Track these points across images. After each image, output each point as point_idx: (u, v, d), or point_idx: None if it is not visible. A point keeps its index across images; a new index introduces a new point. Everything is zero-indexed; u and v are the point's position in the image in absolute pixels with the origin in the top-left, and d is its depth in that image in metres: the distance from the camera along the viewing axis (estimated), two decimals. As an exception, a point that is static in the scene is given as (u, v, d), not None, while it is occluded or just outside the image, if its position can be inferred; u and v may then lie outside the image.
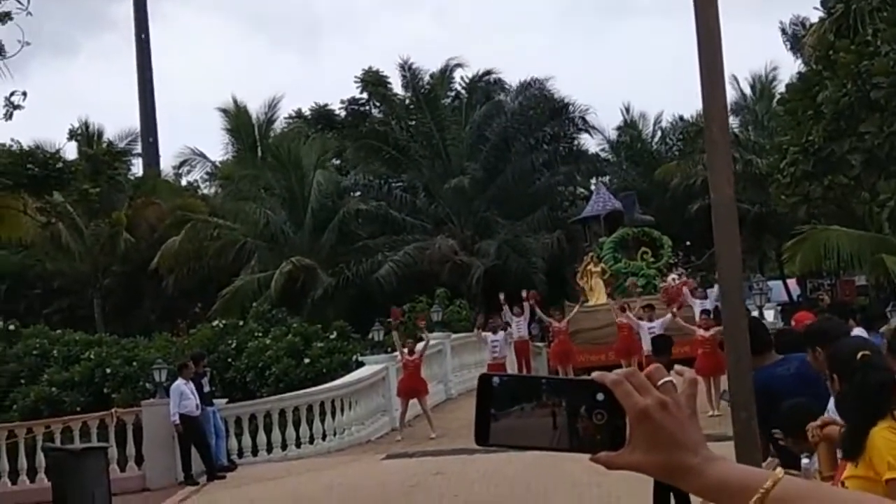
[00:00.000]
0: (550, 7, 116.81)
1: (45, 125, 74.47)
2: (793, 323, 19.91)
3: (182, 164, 57.06)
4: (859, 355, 5.21)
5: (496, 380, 1.70)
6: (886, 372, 5.25)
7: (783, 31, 53.77)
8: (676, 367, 1.77)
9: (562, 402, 1.66)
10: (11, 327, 40.07)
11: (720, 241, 8.30)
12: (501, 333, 27.52)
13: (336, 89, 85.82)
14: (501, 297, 31.95)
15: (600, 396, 1.66)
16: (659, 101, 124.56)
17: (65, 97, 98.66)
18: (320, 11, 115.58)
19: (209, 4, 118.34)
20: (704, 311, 24.39)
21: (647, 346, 23.83)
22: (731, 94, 52.62)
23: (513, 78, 51.81)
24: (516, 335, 31.31)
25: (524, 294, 32.25)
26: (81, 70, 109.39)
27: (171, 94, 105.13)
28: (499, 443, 1.68)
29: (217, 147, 55.98)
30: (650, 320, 24.77)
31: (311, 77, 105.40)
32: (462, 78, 52.55)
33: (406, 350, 24.15)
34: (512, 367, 31.96)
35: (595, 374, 1.70)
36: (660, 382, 1.69)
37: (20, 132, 52.53)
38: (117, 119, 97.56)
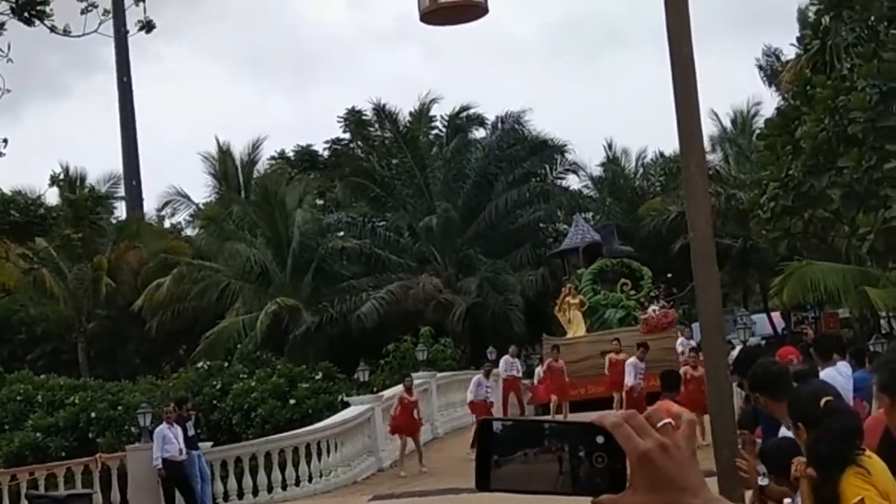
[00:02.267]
0: (537, 41, 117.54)
1: (34, 168, 74.77)
2: (776, 358, 19.98)
3: (165, 204, 57.02)
4: (822, 402, 5.20)
5: (497, 425, 1.70)
6: (851, 416, 5.25)
7: (760, 67, 54.32)
8: (674, 408, 1.79)
9: (563, 446, 1.66)
10: (-5, 373, 39.90)
11: (699, 277, 8.38)
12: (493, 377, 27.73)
13: (323, 129, 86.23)
14: (491, 354, 32.76)
15: (600, 439, 1.67)
16: (642, 137, 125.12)
17: (55, 139, 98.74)
18: (309, 51, 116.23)
19: (199, 45, 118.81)
20: (693, 349, 24.51)
21: (629, 381, 24.17)
22: (712, 128, 53.12)
23: (493, 113, 51.79)
24: (504, 374, 31.75)
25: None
26: (72, 112, 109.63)
27: (157, 134, 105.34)
28: (500, 488, 1.67)
29: (201, 188, 55.92)
30: (641, 359, 25.15)
31: (299, 117, 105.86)
32: (442, 115, 52.73)
33: (404, 388, 24.48)
34: (499, 405, 32.07)
35: (594, 417, 1.70)
36: (659, 424, 1.69)
37: (7, 175, 52.70)
38: (105, 160, 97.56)
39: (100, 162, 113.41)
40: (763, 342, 39.10)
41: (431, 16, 8.39)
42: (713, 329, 8.06)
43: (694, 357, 22.00)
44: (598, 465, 1.66)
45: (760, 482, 6.64)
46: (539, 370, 32.69)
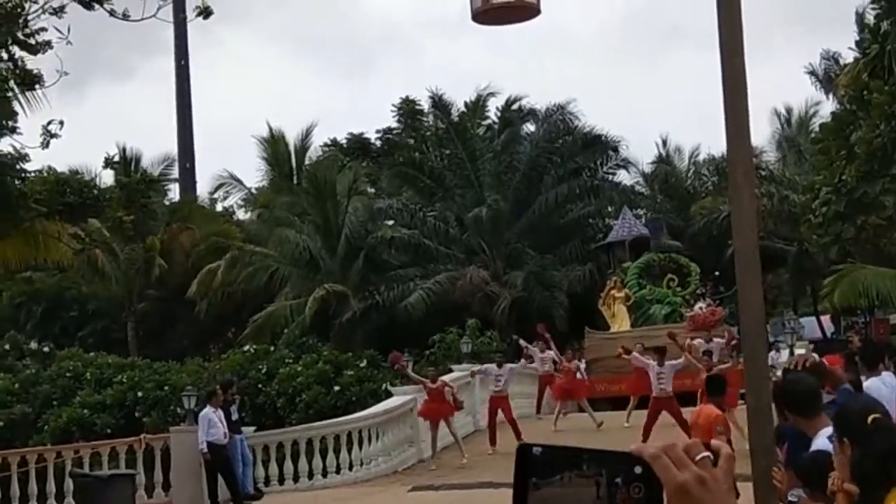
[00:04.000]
0: (597, 37, 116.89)
1: (95, 146, 75.89)
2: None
3: (218, 187, 57.63)
4: (870, 419, 5.16)
5: (537, 449, 1.73)
6: None
7: (812, 72, 53.51)
8: (713, 442, 1.81)
9: (601, 473, 1.69)
10: (46, 349, 40.58)
11: (743, 287, 8.33)
12: (507, 367, 27.22)
13: (378, 118, 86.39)
14: (541, 328, 32.44)
15: (638, 469, 1.70)
16: (696, 134, 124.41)
17: (116, 119, 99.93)
18: (369, 39, 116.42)
19: (262, 29, 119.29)
20: (707, 353, 24.26)
21: (655, 388, 23.64)
22: (770, 129, 52.62)
23: (546, 106, 51.54)
24: (541, 369, 31.82)
25: (539, 329, 32.29)
26: (134, 93, 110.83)
27: (214, 117, 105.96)
28: None
29: (254, 172, 56.40)
30: (660, 364, 24.04)
31: (354, 105, 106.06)
32: (497, 107, 52.71)
33: (428, 379, 24.28)
34: (526, 399, 32.11)
35: (633, 448, 1.73)
36: (697, 458, 1.72)
37: (69, 157, 53.45)
38: (162, 142, 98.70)
39: (157, 143, 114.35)
40: (811, 346, 38.62)
41: (484, 15, 8.40)
42: (755, 341, 8.02)
43: (707, 361, 21.71)
44: (635, 494, 1.69)
45: (790, 498, 6.63)
46: (580, 363, 32.55)
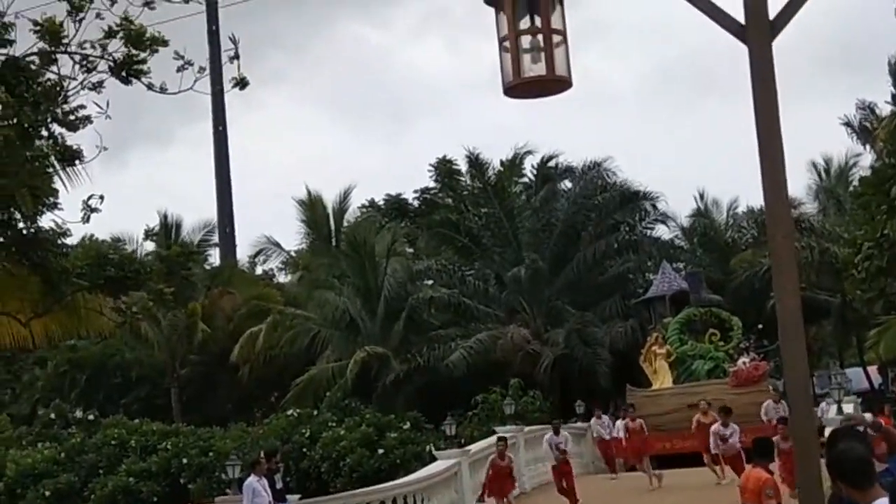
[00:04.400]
0: (632, 89, 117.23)
1: (138, 212, 77.08)
2: (884, 424, 19.38)
3: (258, 253, 58.03)
4: None
5: None
6: None
7: (847, 123, 53.08)
8: None
9: None
10: (91, 417, 40.81)
11: (787, 354, 8.23)
12: (564, 434, 27.11)
13: (415, 178, 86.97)
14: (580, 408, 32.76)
15: None
16: (734, 186, 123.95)
17: (157, 185, 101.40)
18: (407, 100, 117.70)
19: (301, 93, 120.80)
20: (781, 420, 24.00)
21: (713, 446, 24.31)
22: (808, 180, 52.25)
23: (582, 161, 51.63)
24: (608, 436, 32.83)
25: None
26: (175, 158, 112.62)
27: (253, 179, 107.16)
28: None
29: (293, 235, 56.83)
30: (725, 425, 24.39)
31: (393, 165, 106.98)
32: (532, 165, 52.86)
33: (497, 453, 24.21)
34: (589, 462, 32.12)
35: None
36: None
37: (112, 223, 54.22)
38: (203, 206, 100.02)
39: (198, 207, 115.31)
40: (858, 399, 38.02)
41: (516, 90, 8.43)
42: (802, 410, 7.89)
43: (783, 428, 21.44)
44: None
45: None
46: (620, 424, 32.48)
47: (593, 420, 34.25)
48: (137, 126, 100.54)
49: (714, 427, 24.67)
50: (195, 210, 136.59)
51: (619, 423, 33.26)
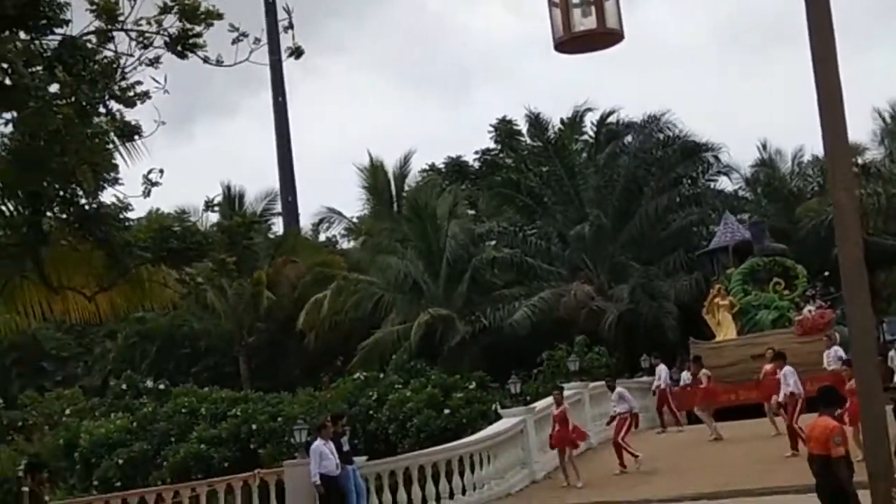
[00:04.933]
0: (696, 41, 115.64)
1: (204, 184, 77.97)
2: None
3: (320, 221, 58.44)
4: None
5: None
6: None
7: None
8: None
9: None
10: (162, 387, 41.48)
11: (850, 305, 8.14)
12: (619, 391, 26.91)
13: (477, 139, 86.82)
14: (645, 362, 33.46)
15: None
16: (800, 135, 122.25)
17: (222, 157, 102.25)
18: (468, 62, 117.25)
19: (362, 59, 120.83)
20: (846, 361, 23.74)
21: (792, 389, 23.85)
22: (872, 124, 51.27)
23: (640, 117, 51.11)
24: (656, 384, 32.94)
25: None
26: (240, 129, 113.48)
27: (317, 148, 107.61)
28: None
29: (356, 201, 57.17)
30: (780, 369, 24.30)
31: (455, 128, 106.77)
32: (591, 122, 52.52)
33: (555, 403, 24.31)
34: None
35: None
36: None
37: (179, 195, 55.01)
38: (266, 176, 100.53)
39: (262, 177, 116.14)
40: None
41: (566, 45, 8.35)
42: (866, 359, 7.80)
43: (848, 370, 21.18)
44: None
45: None
46: (685, 375, 32.34)
47: (658, 369, 34.09)
48: (203, 99, 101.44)
49: (787, 368, 24.43)
50: (259, 180, 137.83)
51: (685, 374, 33.18)
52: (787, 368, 24.46)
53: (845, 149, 7.95)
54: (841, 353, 26.92)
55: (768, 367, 25.98)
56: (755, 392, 29.05)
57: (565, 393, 29.12)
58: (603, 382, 32.69)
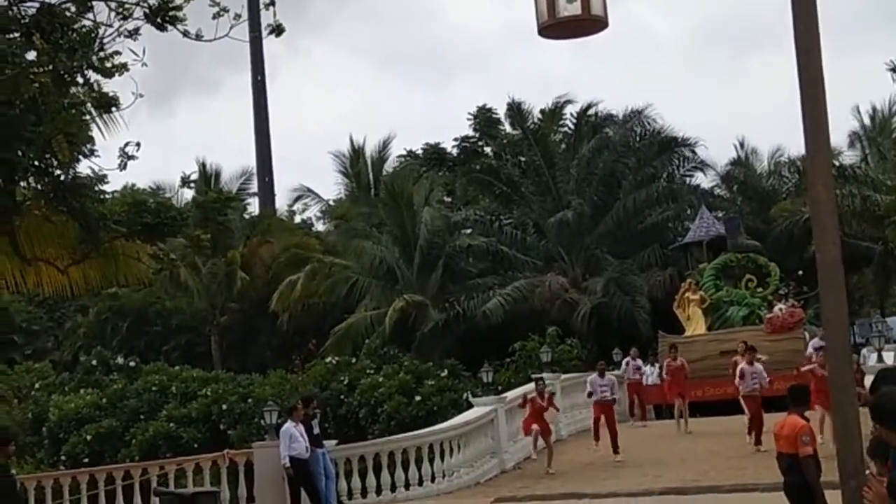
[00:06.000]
0: (679, 40, 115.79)
1: (182, 160, 77.64)
2: None
3: (296, 199, 58.19)
4: None
5: None
6: None
7: (893, 69, 51.70)
8: None
9: None
10: (132, 364, 41.22)
11: (826, 303, 8.11)
12: (609, 377, 27.04)
13: (456, 127, 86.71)
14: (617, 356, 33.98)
15: None
16: (778, 135, 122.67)
17: (202, 134, 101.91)
18: (451, 49, 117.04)
19: (345, 42, 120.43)
20: (820, 348, 23.84)
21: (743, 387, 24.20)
22: (851, 126, 51.44)
23: (622, 110, 51.20)
24: (628, 377, 33.24)
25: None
26: (220, 107, 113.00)
27: (296, 129, 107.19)
28: None
29: (333, 185, 57.04)
30: (750, 363, 24.33)
31: (435, 115, 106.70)
32: (571, 113, 52.49)
33: (537, 392, 24.52)
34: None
35: None
36: None
37: (158, 171, 54.94)
38: (245, 155, 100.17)
39: (240, 157, 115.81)
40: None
41: (550, 30, 8.29)
42: (840, 357, 7.78)
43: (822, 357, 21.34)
44: None
45: None
46: (654, 369, 32.44)
47: (626, 360, 34.20)
48: (187, 75, 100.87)
49: (742, 365, 24.54)
50: (237, 159, 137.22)
51: (652, 368, 33.23)
52: (758, 366, 24.59)
53: (825, 142, 7.93)
54: (818, 342, 27.10)
55: (739, 359, 26.13)
56: (723, 388, 29.20)
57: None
58: (574, 375, 32.90)
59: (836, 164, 44.75)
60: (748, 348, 25.24)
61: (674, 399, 30.04)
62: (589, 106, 51.00)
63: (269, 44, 63.62)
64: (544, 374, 29.88)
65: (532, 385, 26.17)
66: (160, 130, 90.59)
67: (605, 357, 36.69)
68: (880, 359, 28.06)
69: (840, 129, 51.38)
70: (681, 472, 21.94)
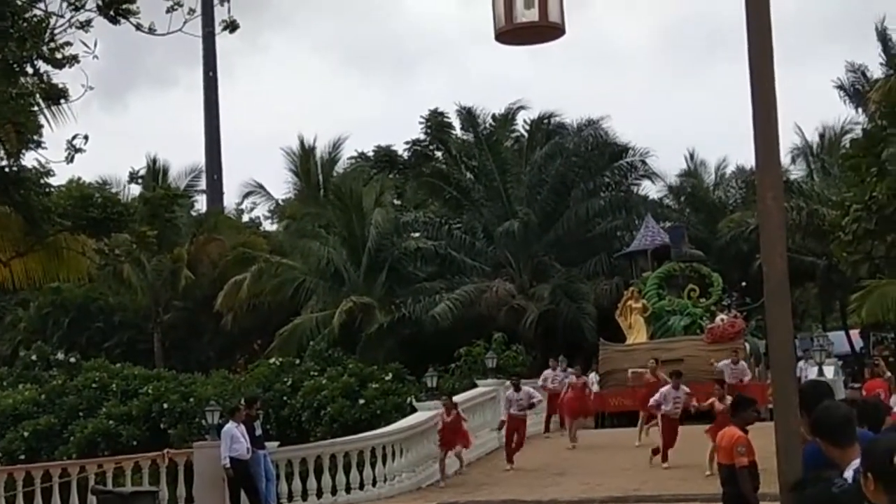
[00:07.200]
0: (638, 46, 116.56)
1: (134, 154, 76.89)
2: (863, 392, 19.47)
3: (246, 195, 57.79)
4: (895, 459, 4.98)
5: None
6: None
7: (840, 87, 52.39)
8: None
9: None
10: (73, 360, 40.67)
11: (772, 316, 8.15)
12: (525, 391, 26.89)
13: (410, 129, 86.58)
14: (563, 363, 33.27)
15: None
16: (728, 146, 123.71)
17: (154, 130, 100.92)
18: (411, 50, 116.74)
19: (306, 38, 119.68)
20: (719, 382, 23.91)
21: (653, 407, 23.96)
22: (795, 141, 52.06)
23: (577, 118, 51.40)
24: (550, 386, 32.44)
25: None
26: (175, 102, 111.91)
27: (249, 125, 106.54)
28: None
29: (283, 184, 56.61)
30: (676, 388, 23.84)
31: (390, 115, 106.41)
32: (524, 120, 52.62)
33: (444, 410, 24.49)
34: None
35: None
36: None
37: (108, 165, 54.34)
38: (195, 151, 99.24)
39: (190, 153, 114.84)
40: (840, 362, 38.08)
41: (507, 36, 8.26)
42: (784, 372, 7.81)
43: (720, 389, 21.53)
44: None
45: None
46: (594, 377, 32.44)
47: (546, 371, 33.74)
48: (142, 69, 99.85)
49: (664, 389, 24.06)
50: (187, 156, 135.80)
51: (593, 375, 33.19)
52: (664, 389, 24.16)
53: (775, 153, 7.93)
54: (746, 373, 27.25)
55: (650, 376, 26.24)
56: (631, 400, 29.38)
57: (481, 389, 29.37)
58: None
59: (784, 178, 45.21)
60: (673, 373, 24.44)
61: (570, 417, 29.91)
62: (545, 116, 51.15)
63: (228, 39, 63.03)
64: (489, 380, 30.02)
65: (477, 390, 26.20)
66: (113, 125, 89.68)
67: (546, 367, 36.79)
68: (821, 372, 28.38)
69: (783, 145, 51.95)
70: (622, 482, 22.04)
